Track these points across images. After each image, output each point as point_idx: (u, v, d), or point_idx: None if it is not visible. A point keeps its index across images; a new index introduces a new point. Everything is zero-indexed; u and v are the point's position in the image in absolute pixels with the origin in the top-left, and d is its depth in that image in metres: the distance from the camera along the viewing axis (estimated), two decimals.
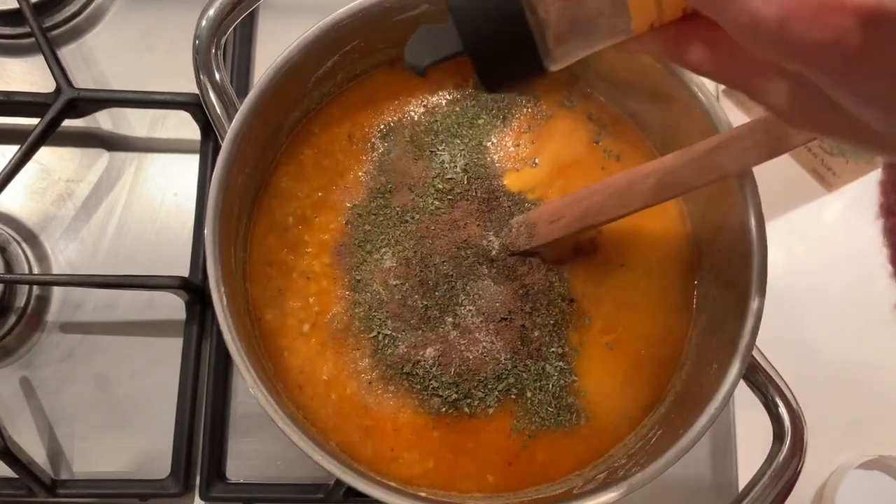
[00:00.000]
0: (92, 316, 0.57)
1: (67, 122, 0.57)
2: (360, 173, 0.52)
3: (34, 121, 0.55)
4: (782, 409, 0.46)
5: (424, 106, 0.54)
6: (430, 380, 0.47)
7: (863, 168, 0.60)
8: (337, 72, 0.51)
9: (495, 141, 0.53)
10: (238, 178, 0.45)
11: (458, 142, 0.52)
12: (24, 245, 0.58)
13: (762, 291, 0.44)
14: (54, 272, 0.58)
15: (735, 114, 0.66)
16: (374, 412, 0.47)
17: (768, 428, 0.46)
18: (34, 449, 0.54)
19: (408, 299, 0.48)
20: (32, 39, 0.58)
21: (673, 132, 0.51)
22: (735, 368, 0.43)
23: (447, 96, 0.54)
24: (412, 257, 0.49)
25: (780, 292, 0.60)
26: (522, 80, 0.28)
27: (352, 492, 0.53)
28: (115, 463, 0.55)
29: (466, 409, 0.47)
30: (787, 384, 0.46)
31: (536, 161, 0.53)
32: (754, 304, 0.44)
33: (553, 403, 0.48)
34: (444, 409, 0.47)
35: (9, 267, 0.56)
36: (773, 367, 0.46)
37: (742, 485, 0.46)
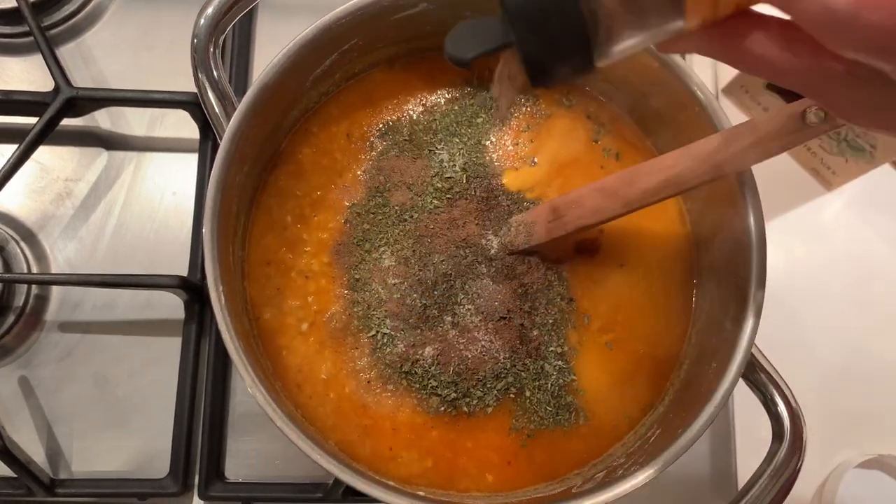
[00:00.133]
0: (91, 315, 0.57)
1: (66, 121, 0.57)
2: (358, 172, 0.52)
3: (33, 120, 0.55)
4: (781, 409, 0.45)
5: (423, 105, 0.54)
6: (428, 379, 0.47)
7: (862, 167, 0.60)
8: (335, 70, 0.51)
9: (494, 140, 0.53)
10: (236, 177, 0.45)
11: (457, 140, 0.52)
12: (23, 244, 0.58)
13: (761, 290, 0.44)
14: (53, 271, 0.58)
15: (735, 113, 0.65)
16: (373, 411, 0.47)
17: (767, 427, 0.46)
18: (33, 448, 0.54)
19: (406, 298, 0.48)
20: (31, 38, 0.58)
21: (672, 131, 0.51)
22: (734, 367, 0.43)
23: (446, 95, 0.54)
24: (411, 256, 0.49)
25: (779, 291, 0.60)
26: (570, 76, 0.28)
27: (350, 491, 0.53)
28: (114, 462, 0.55)
29: (465, 409, 0.47)
30: (786, 383, 0.46)
31: (535, 160, 0.53)
32: (753, 304, 0.44)
33: (552, 402, 0.48)
34: (442, 409, 0.47)
35: (7, 266, 0.56)
36: (772, 366, 0.46)
37: (741, 484, 0.46)
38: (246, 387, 0.40)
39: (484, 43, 0.28)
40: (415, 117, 0.53)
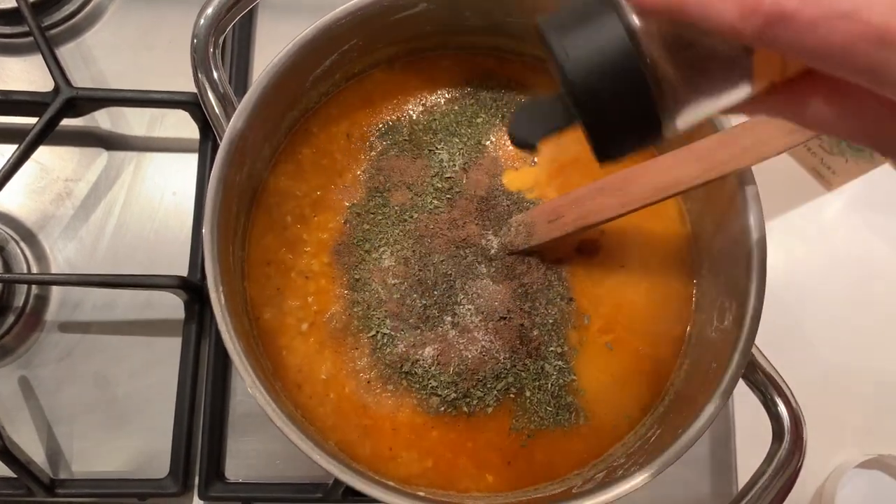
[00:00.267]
0: (91, 315, 0.57)
1: (66, 122, 0.57)
2: (358, 172, 0.52)
3: (33, 120, 0.55)
4: (782, 409, 0.45)
5: (423, 105, 0.54)
6: (428, 379, 0.47)
7: (862, 167, 0.60)
8: (335, 71, 0.51)
9: (494, 140, 0.53)
10: (236, 177, 0.45)
11: (457, 140, 0.52)
12: (23, 244, 0.58)
13: (762, 290, 0.44)
14: (53, 271, 0.58)
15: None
16: (373, 411, 0.47)
17: (768, 427, 0.46)
18: (33, 448, 0.54)
19: (406, 298, 0.48)
20: (31, 38, 0.58)
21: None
22: (734, 367, 0.43)
23: (446, 95, 0.54)
24: (411, 256, 0.49)
25: (779, 292, 0.60)
26: (638, 149, 0.27)
27: (350, 491, 0.53)
28: (114, 462, 0.55)
29: (465, 409, 0.47)
30: (786, 383, 0.46)
31: (535, 160, 0.53)
32: (753, 303, 0.44)
33: (552, 403, 0.48)
34: (442, 409, 0.47)
35: (7, 266, 0.56)
36: (772, 366, 0.46)
37: (741, 484, 0.46)
38: (246, 387, 0.40)
39: (549, 124, 0.28)
40: (414, 117, 0.53)
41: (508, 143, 0.53)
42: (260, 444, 0.55)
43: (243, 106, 0.44)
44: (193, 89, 0.47)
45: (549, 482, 0.47)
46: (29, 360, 0.56)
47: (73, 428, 0.55)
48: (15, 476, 0.51)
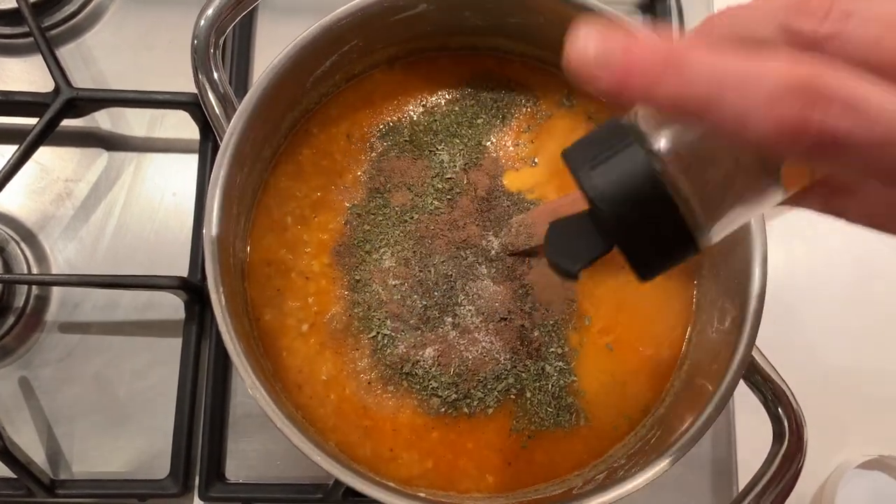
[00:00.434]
0: (91, 316, 0.57)
1: (66, 122, 0.57)
2: (358, 173, 0.52)
3: (33, 120, 0.55)
4: (782, 409, 0.45)
5: (423, 105, 0.53)
6: (429, 380, 0.47)
7: None
8: (335, 71, 0.51)
9: (494, 140, 0.53)
10: (237, 178, 0.45)
11: (458, 141, 0.52)
12: (23, 245, 0.58)
13: (762, 291, 0.44)
14: (53, 272, 0.58)
15: None
16: (374, 412, 0.47)
17: (768, 428, 0.46)
18: (33, 449, 0.54)
19: (407, 299, 0.48)
20: (31, 39, 0.57)
21: None
22: (734, 368, 0.43)
23: (446, 96, 0.54)
24: (411, 257, 0.49)
25: (780, 292, 0.60)
26: (676, 263, 0.27)
27: (351, 492, 0.53)
28: (115, 463, 0.55)
29: (466, 410, 0.47)
30: (786, 384, 0.46)
31: (536, 160, 0.53)
32: (754, 304, 0.44)
33: (552, 404, 0.48)
34: (443, 410, 0.47)
35: (8, 267, 0.56)
36: (772, 366, 0.46)
37: (742, 485, 0.46)
38: (246, 388, 0.40)
39: (589, 252, 0.28)
40: (415, 118, 0.53)
41: (509, 143, 0.53)
42: (260, 444, 0.55)
43: (243, 107, 0.44)
44: (194, 90, 0.47)
45: (549, 483, 0.47)
46: (29, 361, 0.56)
47: (74, 428, 0.55)
48: (15, 476, 0.51)
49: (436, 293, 0.48)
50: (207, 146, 0.59)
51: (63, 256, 0.58)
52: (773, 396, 0.46)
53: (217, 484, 0.53)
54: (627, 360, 0.50)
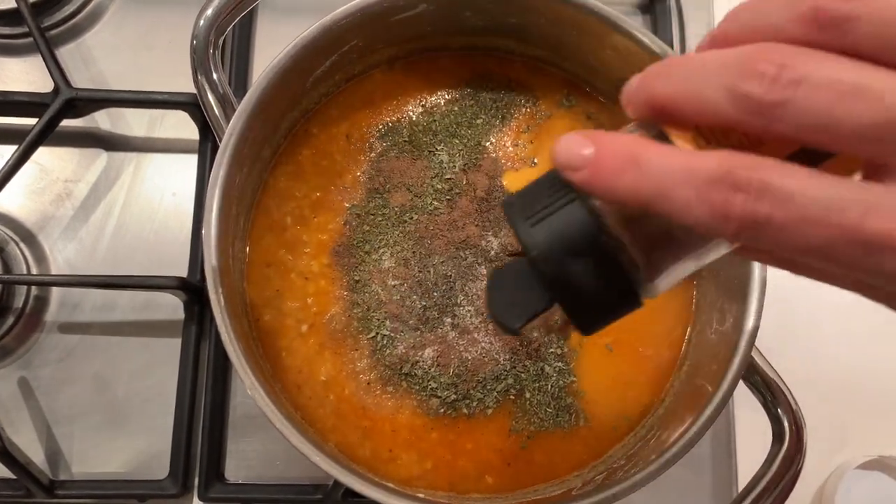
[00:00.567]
0: (90, 316, 0.57)
1: (66, 122, 0.57)
2: (358, 173, 0.52)
3: (32, 121, 0.55)
4: (782, 410, 0.45)
5: (423, 106, 0.53)
6: (428, 380, 0.47)
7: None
8: (335, 72, 0.51)
9: (494, 141, 0.53)
10: (236, 178, 0.45)
11: (457, 142, 0.52)
12: (23, 245, 0.58)
13: (762, 291, 0.44)
14: (53, 272, 0.57)
15: None
16: (373, 413, 0.47)
17: (768, 428, 0.46)
18: (32, 449, 0.54)
19: (406, 300, 0.48)
20: (30, 39, 0.57)
21: None
22: (734, 368, 0.43)
23: (445, 96, 0.54)
24: (411, 258, 0.49)
25: (779, 292, 0.60)
26: (618, 317, 0.27)
27: (350, 492, 0.53)
28: (114, 463, 0.55)
29: (465, 410, 0.47)
30: (786, 384, 0.46)
31: (535, 161, 0.53)
32: (754, 305, 0.44)
33: (552, 404, 0.48)
34: (442, 410, 0.47)
35: (7, 267, 0.56)
36: (772, 367, 0.46)
37: (742, 485, 0.46)
38: (245, 388, 0.40)
39: (529, 309, 0.28)
40: (414, 118, 0.53)
41: (508, 143, 0.53)
42: (260, 445, 0.55)
43: (243, 107, 0.44)
44: (193, 90, 0.47)
45: (548, 483, 0.47)
46: (29, 361, 0.56)
47: (73, 429, 0.55)
48: (14, 477, 0.51)
49: (435, 293, 0.48)
50: (207, 146, 0.59)
51: (62, 257, 0.58)
52: (773, 397, 0.46)
53: (216, 484, 0.53)
54: (627, 361, 0.49)
